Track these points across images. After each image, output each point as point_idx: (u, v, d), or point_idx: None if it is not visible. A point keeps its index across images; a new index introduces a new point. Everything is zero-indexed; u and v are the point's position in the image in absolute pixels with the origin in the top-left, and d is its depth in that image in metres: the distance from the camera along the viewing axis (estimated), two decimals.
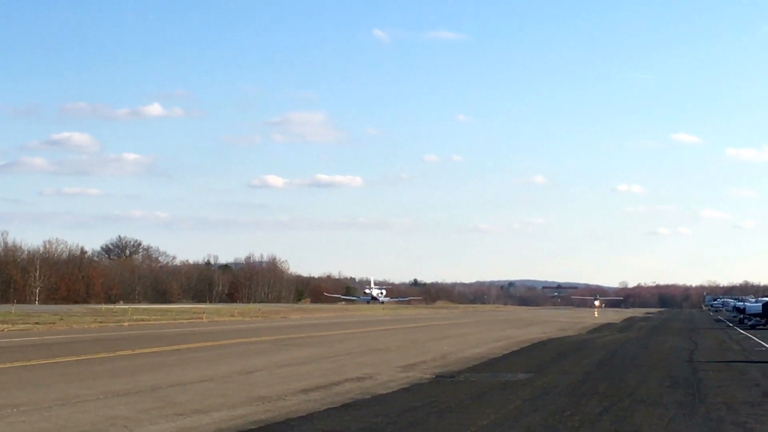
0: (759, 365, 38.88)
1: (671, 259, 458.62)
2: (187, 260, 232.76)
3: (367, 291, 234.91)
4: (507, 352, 47.02)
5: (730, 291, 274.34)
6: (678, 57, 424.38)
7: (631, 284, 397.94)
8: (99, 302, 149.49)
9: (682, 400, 25.65)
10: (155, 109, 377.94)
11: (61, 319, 75.20)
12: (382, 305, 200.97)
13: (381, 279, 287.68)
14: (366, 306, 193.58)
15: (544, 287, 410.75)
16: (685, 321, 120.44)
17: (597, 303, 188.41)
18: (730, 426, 20.61)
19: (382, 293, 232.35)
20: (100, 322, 73.13)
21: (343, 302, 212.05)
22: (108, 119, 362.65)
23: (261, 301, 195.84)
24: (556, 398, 25.84)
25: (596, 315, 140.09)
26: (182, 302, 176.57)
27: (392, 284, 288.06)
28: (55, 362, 35.42)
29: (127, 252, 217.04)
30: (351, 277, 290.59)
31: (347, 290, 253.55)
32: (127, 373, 31.17)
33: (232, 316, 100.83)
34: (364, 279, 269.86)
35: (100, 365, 34.43)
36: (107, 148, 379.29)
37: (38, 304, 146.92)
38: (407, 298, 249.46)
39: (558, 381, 30.80)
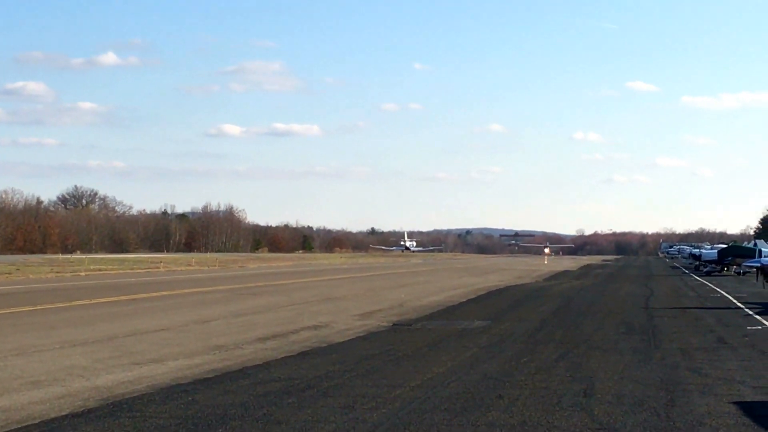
0: (714, 311, 39.23)
1: (628, 206, 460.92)
2: (144, 210, 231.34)
3: (401, 243, 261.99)
4: (464, 300, 47.22)
5: (686, 238, 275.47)
6: (633, 4, 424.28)
7: (588, 232, 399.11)
8: (56, 252, 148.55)
9: (638, 346, 25.84)
10: (111, 58, 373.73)
11: (18, 270, 74.79)
12: (413, 253, 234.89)
13: (338, 228, 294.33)
14: (332, 255, 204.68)
15: (501, 235, 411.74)
16: (641, 268, 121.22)
17: (547, 251, 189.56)
18: (685, 371, 20.77)
19: (413, 244, 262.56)
20: (57, 272, 72.85)
21: (381, 252, 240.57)
22: (63, 68, 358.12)
23: (218, 251, 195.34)
24: (512, 345, 25.98)
25: (545, 262, 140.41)
26: (139, 252, 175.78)
27: (349, 233, 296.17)
28: (11, 312, 35.25)
29: (84, 202, 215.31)
30: (308, 226, 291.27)
31: (304, 239, 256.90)
32: (83, 323, 31.07)
33: (190, 265, 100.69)
34: (322, 228, 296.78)
35: (56, 315, 34.29)
36: (63, 98, 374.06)
37: None
38: (432, 248, 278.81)
39: (514, 328, 30.97)
